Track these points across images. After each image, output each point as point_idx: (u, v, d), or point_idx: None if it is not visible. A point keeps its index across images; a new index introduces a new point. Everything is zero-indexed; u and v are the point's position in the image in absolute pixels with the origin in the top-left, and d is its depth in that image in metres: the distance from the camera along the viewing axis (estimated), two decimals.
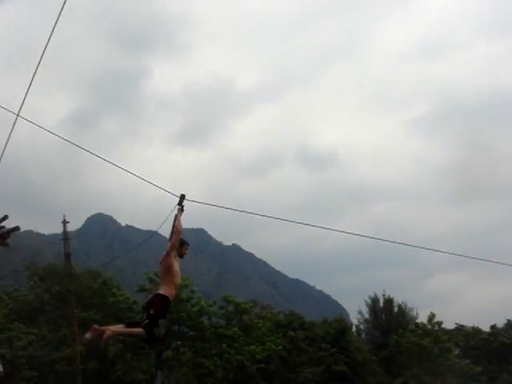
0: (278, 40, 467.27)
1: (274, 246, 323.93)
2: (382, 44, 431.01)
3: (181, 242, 11.37)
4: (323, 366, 55.09)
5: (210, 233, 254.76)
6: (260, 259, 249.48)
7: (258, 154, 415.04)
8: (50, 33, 10.36)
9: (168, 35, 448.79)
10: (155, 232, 15.39)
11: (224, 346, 53.28)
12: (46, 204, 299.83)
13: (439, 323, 65.68)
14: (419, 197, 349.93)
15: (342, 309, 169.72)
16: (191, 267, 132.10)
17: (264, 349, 53.87)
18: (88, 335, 10.33)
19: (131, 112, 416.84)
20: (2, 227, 15.30)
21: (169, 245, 11.13)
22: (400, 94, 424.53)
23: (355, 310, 74.87)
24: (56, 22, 10.05)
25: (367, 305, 72.19)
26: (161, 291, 10.82)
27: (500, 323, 74.10)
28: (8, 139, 13.18)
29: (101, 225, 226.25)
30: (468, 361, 63.74)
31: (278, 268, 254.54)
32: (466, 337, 71.13)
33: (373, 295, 72.70)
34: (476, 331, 71.98)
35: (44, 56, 10.78)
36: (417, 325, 67.21)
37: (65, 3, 9.47)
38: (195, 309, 54.92)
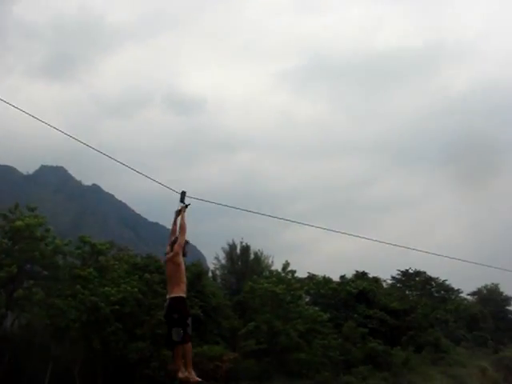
0: None
1: (135, 188, 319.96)
2: None
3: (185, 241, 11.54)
4: None
5: (69, 171, 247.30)
6: (120, 201, 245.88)
7: (126, 94, 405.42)
8: None
9: None
10: None
11: (78, 286, 52.26)
12: None
13: (293, 272, 67.56)
14: (283, 149, 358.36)
15: (200, 254, 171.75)
16: (49, 206, 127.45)
17: (119, 290, 53.40)
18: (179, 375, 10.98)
19: None
20: None
21: (176, 244, 11.28)
22: (272, 47, 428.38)
23: (213, 256, 75.89)
24: None
25: (224, 251, 73.28)
26: (175, 294, 11.05)
27: (349, 274, 78.30)
28: None
29: None
30: (317, 308, 66.69)
31: (138, 211, 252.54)
32: (316, 285, 74.30)
33: (231, 242, 73.81)
34: (326, 281, 75.41)
35: None
36: (271, 272, 69.01)
37: None
38: (50, 248, 53.30)
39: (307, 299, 70.83)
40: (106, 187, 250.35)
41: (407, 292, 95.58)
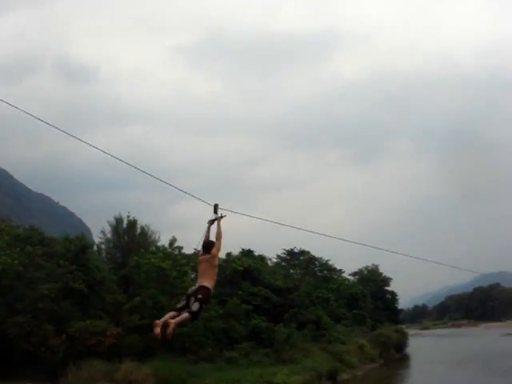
0: None
1: (20, 156, 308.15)
2: None
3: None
4: (61, 282, 54.39)
5: None
6: (2, 169, 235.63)
7: (14, 59, 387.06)
8: None
9: None
10: None
11: None
12: None
13: (179, 248, 67.48)
14: (176, 124, 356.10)
15: (86, 227, 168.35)
16: None
17: None
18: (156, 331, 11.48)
19: None
20: None
21: (215, 249, 13.09)
22: (169, 20, 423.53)
23: (99, 230, 74.46)
24: None
25: (110, 225, 71.86)
26: (205, 284, 12.64)
27: (235, 251, 79.35)
28: None
29: None
30: None
31: (21, 180, 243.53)
32: None
33: (118, 215, 72.53)
34: None
35: None
36: (158, 247, 68.76)
37: None
38: None
39: (193, 275, 70.99)
40: None
41: (291, 271, 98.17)
